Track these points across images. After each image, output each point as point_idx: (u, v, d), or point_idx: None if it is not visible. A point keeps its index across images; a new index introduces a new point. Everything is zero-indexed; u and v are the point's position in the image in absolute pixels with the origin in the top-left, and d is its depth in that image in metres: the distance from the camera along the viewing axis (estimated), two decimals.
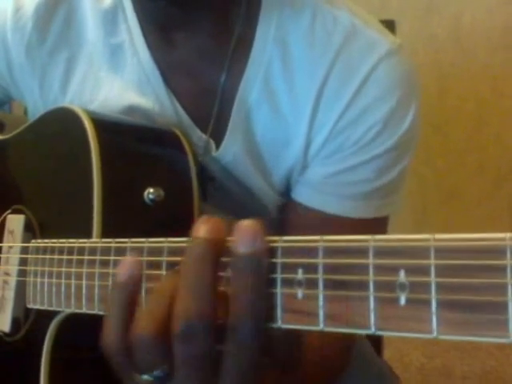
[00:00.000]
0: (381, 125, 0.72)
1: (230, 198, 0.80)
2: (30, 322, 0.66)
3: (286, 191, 0.79)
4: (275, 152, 0.76)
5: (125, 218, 0.65)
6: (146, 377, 0.43)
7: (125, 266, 0.44)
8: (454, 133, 2.49)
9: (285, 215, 0.80)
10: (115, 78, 0.78)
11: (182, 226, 0.45)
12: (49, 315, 0.61)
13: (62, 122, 0.71)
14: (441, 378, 2.14)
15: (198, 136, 0.76)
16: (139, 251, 0.48)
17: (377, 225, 0.76)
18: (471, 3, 2.42)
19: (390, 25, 0.91)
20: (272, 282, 0.39)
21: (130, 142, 0.71)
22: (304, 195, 0.77)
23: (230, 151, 0.76)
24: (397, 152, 0.74)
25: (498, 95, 2.43)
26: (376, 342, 1.11)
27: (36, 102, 0.83)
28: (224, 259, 0.41)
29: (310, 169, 0.76)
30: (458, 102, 2.46)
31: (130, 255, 0.46)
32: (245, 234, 0.39)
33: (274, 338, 0.41)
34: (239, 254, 0.39)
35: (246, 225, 0.39)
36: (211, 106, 0.75)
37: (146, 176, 0.67)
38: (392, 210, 0.78)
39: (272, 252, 0.40)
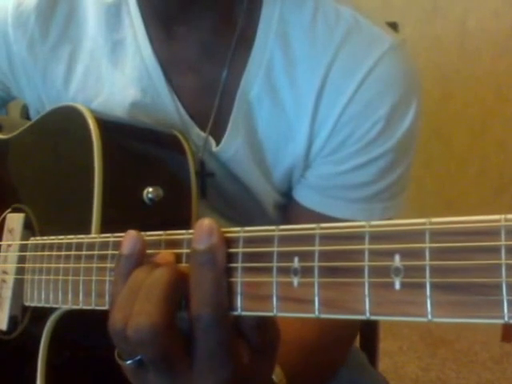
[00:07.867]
0: (383, 122, 0.72)
1: (226, 196, 0.79)
2: (27, 320, 0.66)
3: (287, 191, 0.79)
4: (277, 148, 0.76)
5: (124, 217, 0.65)
6: (129, 362, 0.45)
7: (128, 240, 0.46)
8: (455, 138, 2.48)
9: (284, 215, 0.80)
10: (116, 73, 0.78)
11: (180, 226, 0.47)
12: (45, 313, 0.61)
13: (66, 121, 0.71)
14: None
15: (197, 134, 0.76)
16: None
17: None
18: (477, 5, 2.39)
19: (392, 27, 0.90)
20: (231, 272, 0.42)
21: (132, 142, 0.72)
22: (305, 197, 0.77)
23: (231, 147, 0.76)
24: (398, 152, 0.74)
25: (502, 101, 2.42)
26: (371, 353, 1.10)
27: (40, 98, 0.82)
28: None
29: (312, 169, 0.76)
30: (460, 107, 2.45)
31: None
32: (201, 232, 0.43)
33: (246, 320, 0.43)
34: (197, 250, 0.42)
35: (203, 223, 0.43)
36: (212, 102, 0.75)
37: (146, 176, 0.67)
38: (396, 212, 0.77)
39: (231, 243, 0.42)
